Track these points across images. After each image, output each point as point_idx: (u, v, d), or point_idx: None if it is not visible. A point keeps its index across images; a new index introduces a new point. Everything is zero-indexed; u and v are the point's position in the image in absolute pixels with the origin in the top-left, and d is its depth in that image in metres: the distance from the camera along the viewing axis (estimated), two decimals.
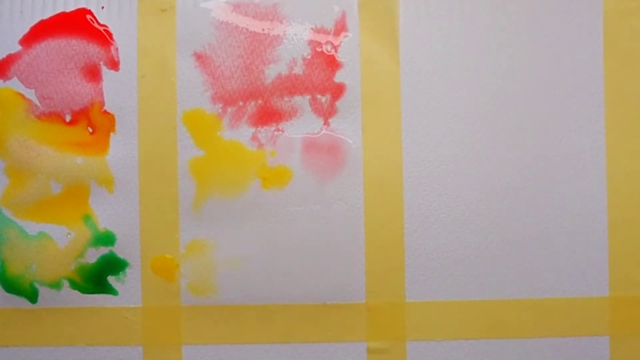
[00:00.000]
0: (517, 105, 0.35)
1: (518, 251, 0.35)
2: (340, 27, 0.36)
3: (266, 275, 0.35)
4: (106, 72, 0.36)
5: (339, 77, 0.35)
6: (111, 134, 0.36)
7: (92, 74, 0.36)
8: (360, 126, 0.36)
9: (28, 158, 0.36)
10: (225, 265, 0.36)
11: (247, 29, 0.36)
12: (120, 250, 0.36)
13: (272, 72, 0.35)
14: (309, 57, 0.35)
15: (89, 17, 0.36)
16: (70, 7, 0.36)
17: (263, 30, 0.36)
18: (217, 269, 0.36)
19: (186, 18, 0.36)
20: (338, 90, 0.35)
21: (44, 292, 0.36)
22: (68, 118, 0.36)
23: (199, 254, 0.36)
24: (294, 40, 0.35)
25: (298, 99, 0.35)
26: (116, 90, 0.36)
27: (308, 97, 0.35)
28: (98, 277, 0.36)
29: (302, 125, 0.36)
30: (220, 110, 0.36)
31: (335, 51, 0.35)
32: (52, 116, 0.36)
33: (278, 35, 0.36)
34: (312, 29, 0.36)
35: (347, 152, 0.35)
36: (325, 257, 0.35)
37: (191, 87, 0.36)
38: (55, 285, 0.36)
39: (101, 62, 0.36)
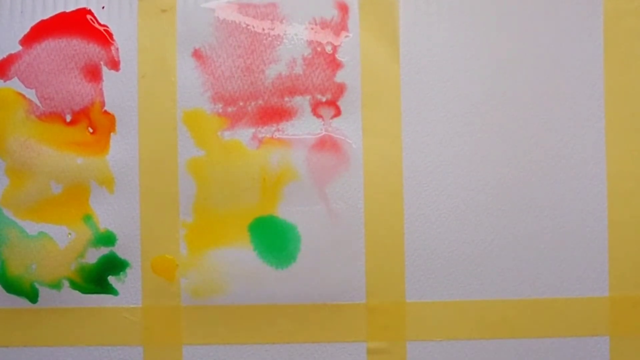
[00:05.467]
0: (517, 105, 0.35)
1: (518, 251, 0.35)
2: (341, 27, 0.36)
3: (266, 275, 0.35)
4: (106, 72, 0.36)
5: (340, 77, 0.35)
6: (111, 134, 0.36)
7: (93, 74, 0.36)
8: (360, 126, 0.36)
9: (28, 158, 0.36)
10: (225, 266, 0.36)
11: (247, 29, 0.36)
12: (120, 250, 0.36)
13: (272, 72, 0.35)
14: (310, 57, 0.35)
15: (89, 17, 0.36)
16: (71, 7, 0.36)
17: (263, 30, 0.36)
18: (217, 269, 0.36)
19: (186, 18, 0.36)
20: (338, 90, 0.35)
21: (44, 292, 0.36)
22: (68, 118, 0.36)
23: (198, 255, 0.36)
24: (294, 40, 0.36)
25: (298, 99, 0.35)
26: (116, 91, 0.36)
27: (308, 97, 0.35)
28: (98, 277, 0.36)
29: (302, 126, 0.36)
30: (220, 110, 0.36)
31: (336, 51, 0.35)
32: (53, 116, 0.36)
33: (278, 35, 0.36)
34: (312, 28, 0.36)
35: (347, 152, 0.35)
36: (325, 257, 0.35)
37: (191, 87, 0.36)
38: (56, 286, 0.36)
39: (101, 62, 0.36)
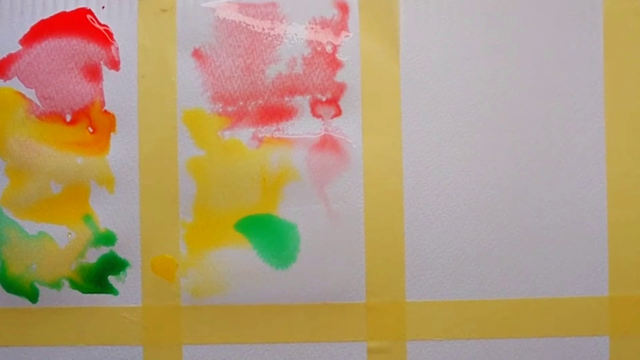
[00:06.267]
0: (517, 105, 0.35)
1: (518, 251, 0.35)
2: (341, 27, 0.36)
3: (266, 275, 0.35)
4: (106, 72, 0.36)
5: (340, 76, 0.35)
6: (111, 133, 0.36)
7: (93, 73, 0.36)
8: (360, 126, 0.36)
9: (28, 158, 0.36)
10: (225, 266, 0.36)
11: (247, 29, 0.36)
12: (120, 250, 0.36)
13: (272, 72, 0.35)
14: (309, 56, 0.35)
15: (89, 16, 0.36)
16: (71, 7, 0.36)
17: (263, 29, 0.36)
18: (217, 269, 0.36)
19: (186, 18, 0.36)
20: (338, 90, 0.35)
21: (44, 292, 0.36)
22: (68, 118, 0.36)
23: (198, 254, 0.36)
24: (294, 39, 0.36)
25: (298, 99, 0.35)
26: (117, 90, 0.36)
27: (308, 97, 0.35)
28: (98, 277, 0.36)
29: (302, 125, 0.36)
30: (220, 110, 0.36)
31: (336, 51, 0.35)
32: (53, 116, 0.36)
33: (278, 34, 0.36)
34: (312, 28, 0.36)
35: (347, 152, 0.35)
36: (325, 257, 0.35)
37: (191, 87, 0.36)
38: (56, 285, 0.36)
39: (102, 62, 0.36)
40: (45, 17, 0.36)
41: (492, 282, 0.35)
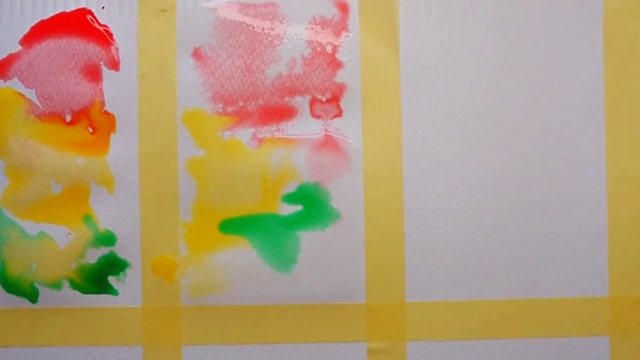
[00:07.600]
0: (517, 105, 0.35)
1: (518, 251, 0.35)
2: (341, 27, 0.36)
3: (266, 275, 0.35)
4: (106, 72, 0.36)
5: (340, 77, 0.35)
6: (111, 134, 0.36)
7: (93, 74, 0.36)
8: (360, 126, 0.36)
9: (28, 158, 0.36)
10: (225, 266, 0.36)
11: (247, 29, 0.36)
12: (120, 250, 0.36)
13: (272, 72, 0.35)
14: (309, 57, 0.35)
15: (89, 17, 0.36)
16: (71, 7, 0.36)
17: (263, 30, 0.36)
18: (217, 269, 0.36)
19: (186, 18, 0.36)
20: (338, 90, 0.35)
21: (44, 292, 0.36)
22: (68, 118, 0.36)
23: (198, 255, 0.36)
24: (294, 40, 0.36)
25: (298, 99, 0.35)
26: (116, 90, 0.36)
27: (308, 97, 0.35)
28: (98, 277, 0.36)
29: (302, 126, 0.36)
30: (220, 110, 0.36)
31: (336, 51, 0.35)
32: (53, 116, 0.36)
33: (278, 35, 0.36)
34: (312, 28, 0.36)
35: (347, 152, 0.35)
36: (325, 258, 0.35)
37: (191, 87, 0.36)
38: (56, 285, 0.36)
39: (101, 62, 0.36)
40: (45, 17, 0.36)
41: (492, 282, 0.35)
